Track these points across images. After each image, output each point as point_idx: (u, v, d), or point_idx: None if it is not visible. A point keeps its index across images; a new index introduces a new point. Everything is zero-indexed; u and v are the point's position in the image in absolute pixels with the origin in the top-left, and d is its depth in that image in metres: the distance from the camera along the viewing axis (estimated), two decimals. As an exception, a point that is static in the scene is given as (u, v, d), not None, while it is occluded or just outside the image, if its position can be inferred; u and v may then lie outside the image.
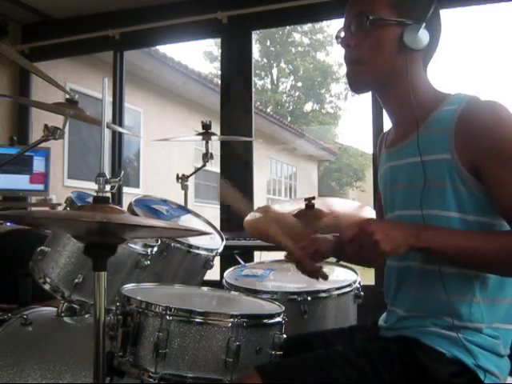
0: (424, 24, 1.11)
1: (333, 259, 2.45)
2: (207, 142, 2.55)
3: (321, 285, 1.69)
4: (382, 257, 1.01)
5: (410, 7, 1.13)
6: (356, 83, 1.20)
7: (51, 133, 1.73)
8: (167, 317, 1.11)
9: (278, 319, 1.20)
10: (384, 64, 1.15)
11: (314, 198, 1.81)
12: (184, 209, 2.26)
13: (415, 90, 1.14)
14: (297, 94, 20.23)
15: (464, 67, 30.97)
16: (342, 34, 1.20)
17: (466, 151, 1.05)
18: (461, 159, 1.06)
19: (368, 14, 1.12)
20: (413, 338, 1.09)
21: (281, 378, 1.03)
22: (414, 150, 1.12)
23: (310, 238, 1.30)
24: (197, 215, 2.23)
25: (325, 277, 1.27)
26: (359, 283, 1.72)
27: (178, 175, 2.57)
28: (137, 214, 1.86)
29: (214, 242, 2.05)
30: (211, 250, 1.96)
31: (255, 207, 1.82)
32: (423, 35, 1.11)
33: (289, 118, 18.13)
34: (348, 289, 1.66)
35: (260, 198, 9.40)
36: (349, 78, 1.20)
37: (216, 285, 1.60)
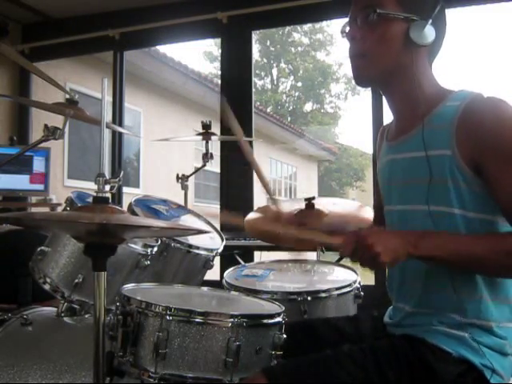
0: (430, 21, 1.12)
1: (333, 259, 2.45)
2: (207, 142, 2.55)
3: (321, 285, 1.69)
4: (383, 266, 1.01)
5: (417, 4, 1.14)
6: (360, 77, 1.20)
7: (51, 133, 1.72)
8: (167, 317, 1.11)
9: (278, 319, 1.19)
10: (389, 58, 1.15)
11: (314, 198, 1.81)
12: (184, 209, 2.26)
13: (419, 86, 1.14)
14: (297, 94, 20.23)
15: (467, 65, 31.01)
16: (347, 29, 1.20)
17: (467, 147, 1.05)
18: (461, 155, 1.06)
19: (375, 8, 1.13)
20: (419, 338, 1.09)
21: (287, 379, 1.03)
22: (416, 144, 1.12)
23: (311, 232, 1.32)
24: (197, 215, 2.23)
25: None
26: (359, 283, 1.72)
27: (178, 175, 2.57)
28: (137, 214, 1.86)
29: (214, 242, 2.05)
30: (211, 250, 1.95)
31: (255, 207, 1.82)
32: (429, 31, 1.11)
33: (289, 118, 18.13)
34: (348, 289, 1.66)
35: (260, 198, 9.39)
36: (353, 71, 1.20)
37: (216, 285, 1.59)
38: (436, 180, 1.09)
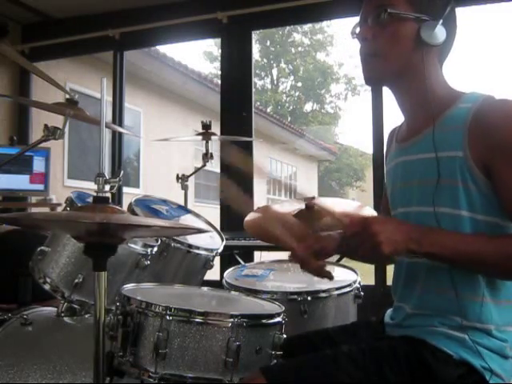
0: (441, 21, 1.12)
1: (333, 259, 2.44)
2: (207, 142, 2.55)
3: (321, 285, 1.69)
4: (381, 257, 1.01)
5: (428, 4, 1.13)
6: (371, 76, 1.20)
7: (51, 133, 1.72)
8: (167, 317, 1.11)
9: (278, 319, 1.19)
10: (400, 58, 1.15)
11: (314, 198, 1.81)
12: (184, 209, 2.26)
13: (430, 86, 1.14)
14: (297, 94, 20.22)
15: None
16: (358, 30, 1.20)
17: (479, 149, 1.05)
18: (473, 157, 1.06)
19: (386, 8, 1.13)
20: (420, 339, 1.09)
21: (285, 379, 1.03)
22: (427, 145, 1.12)
23: (315, 237, 1.29)
24: (197, 215, 2.23)
25: (330, 276, 1.26)
26: (359, 283, 1.72)
27: (178, 175, 2.57)
28: (137, 214, 1.86)
29: (214, 242, 2.05)
30: (211, 250, 1.95)
31: (255, 207, 1.82)
32: (440, 32, 1.11)
33: (289, 118, 18.12)
34: (348, 289, 1.66)
35: (260, 198, 9.40)
36: (364, 71, 1.20)
37: (216, 285, 1.60)
38: (445, 181, 1.09)
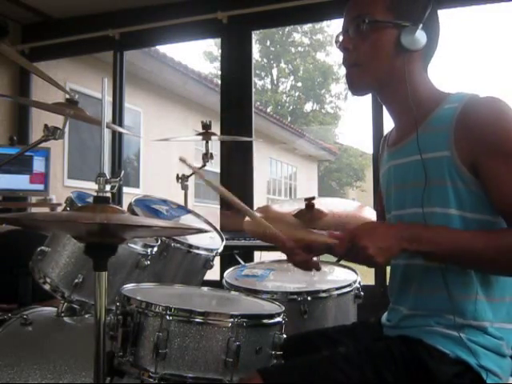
0: (421, 25, 1.12)
1: (333, 259, 2.44)
2: (207, 142, 2.55)
3: (321, 285, 1.69)
4: (377, 266, 1.02)
5: (407, 9, 1.13)
6: (356, 86, 1.21)
7: (51, 133, 1.72)
8: (167, 317, 1.11)
9: (278, 319, 1.20)
10: (382, 66, 1.16)
11: (313, 198, 1.81)
12: (184, 209, 2.26)
13: (415, 90, 1.15)
14: (297, 94, 20.23)
15: (465, 67, 31.01)
16: (341, 39, 1.21)
17: (465, 148, 1.06)
18: (460, 156, 1.06)
19: (365, 18, 1.13)
20: (416, 338, 1.09)
21: (283, 380, 1.03)
22: (414, 148, 1.12)
23: (304, 232, 1.29)
24: (197, 215, 2.23)
25: (318, 268, 1.26)
26: (359, 283, 1.72)
27: (178, 175, 2.57)
28: (137, 214, 1.86)
29: (214, 242, 2.05)
30: (211, 250, 1.95)
31: (255, 207, 1.82)
32: (420, 36, 1.12)
33: (289, 118, 18.14)
34: (348, 289, 1.66)
35: (260, 198, 9.39)
36: (348, 80, 1.21)
37: (216, 285, 1.60)
38: (435, 182, 1.09)
